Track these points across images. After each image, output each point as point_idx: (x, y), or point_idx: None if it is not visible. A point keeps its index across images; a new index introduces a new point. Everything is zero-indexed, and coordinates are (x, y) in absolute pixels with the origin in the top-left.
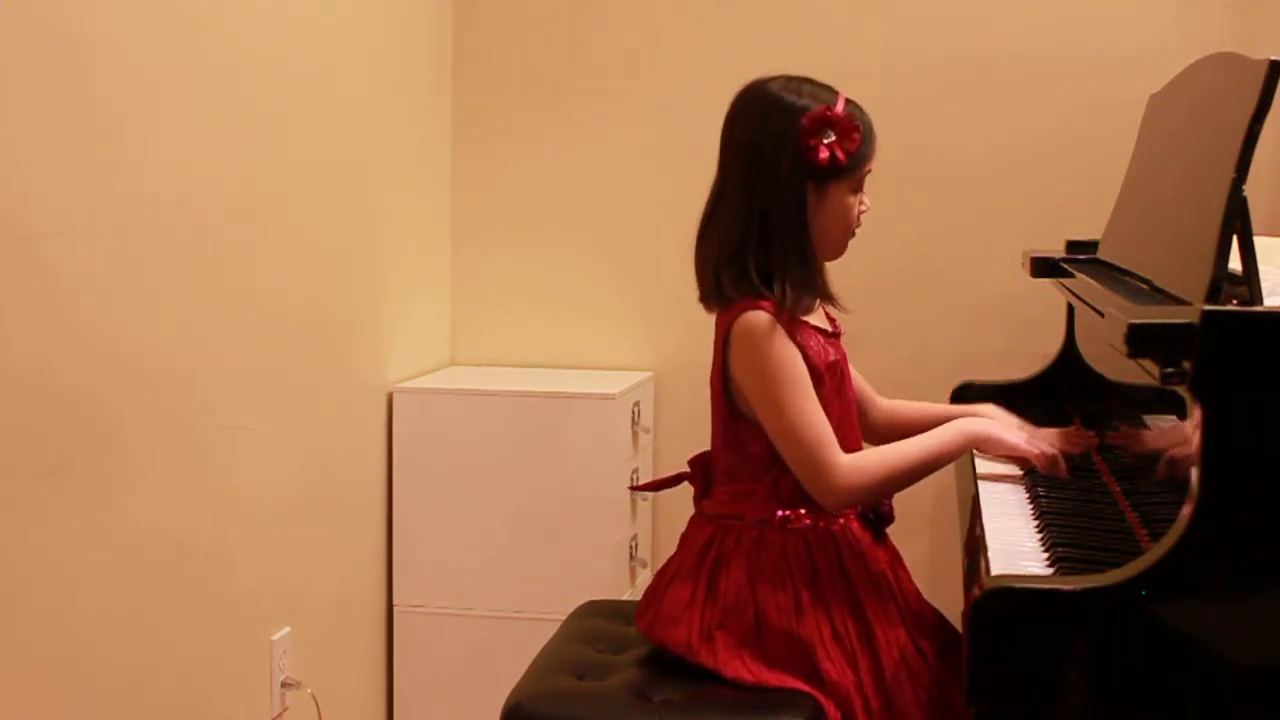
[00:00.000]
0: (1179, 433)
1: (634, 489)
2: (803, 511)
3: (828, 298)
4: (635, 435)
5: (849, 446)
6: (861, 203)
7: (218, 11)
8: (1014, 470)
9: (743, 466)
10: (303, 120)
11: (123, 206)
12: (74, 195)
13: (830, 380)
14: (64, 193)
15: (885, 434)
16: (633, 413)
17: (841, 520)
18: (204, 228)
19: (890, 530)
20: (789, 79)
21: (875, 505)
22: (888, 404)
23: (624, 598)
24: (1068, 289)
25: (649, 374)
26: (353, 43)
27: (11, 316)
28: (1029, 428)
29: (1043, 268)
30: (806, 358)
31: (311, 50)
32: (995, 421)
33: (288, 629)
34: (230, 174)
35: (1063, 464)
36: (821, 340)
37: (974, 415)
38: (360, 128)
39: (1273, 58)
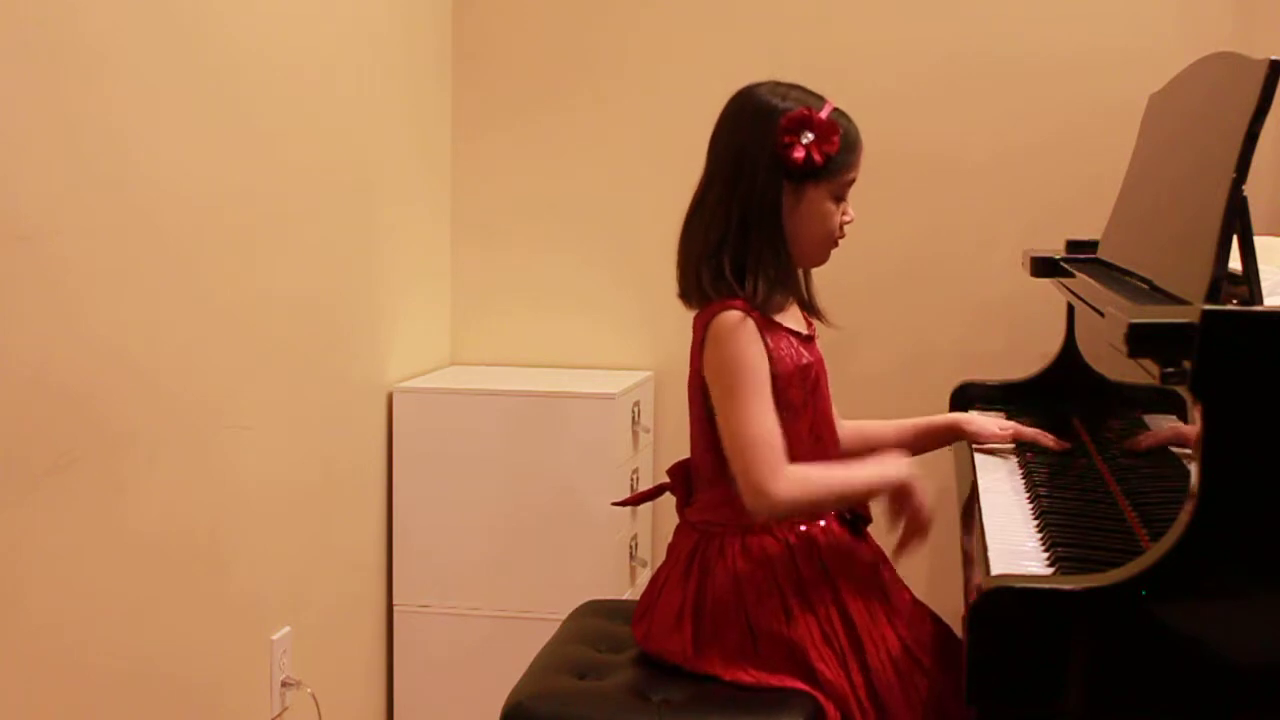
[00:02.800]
0: (1179, 432)
1: (616, 504)
2: None
3: (812, 310)
4: (635, 435)
5: (827, 450)
6: (845, 214)
7: (218, 12)
8: (1014, 470)
9: (724, 470)
10: (303, 120)
11: (123, 206)
12: (74, 195)
13: (802, 384)
14: (64, 193)
15: (857, 455)
16: (633, 412)
17: (823, 522)
18: (204, 227)
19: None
20: (778, 84)
21: (852, 506)
22: (852, 425)
23: (624, 598)
24: (1068, 289)
25: (649, 374)
26: (353, 43)
27: (11, 316)
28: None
29: (1043, 267)
30: (776, 360)
31: (311, 50)
32: (915, 474)
33: (288, 629)
34: (230, 174)
35: (1045, 439)
36: (795, 342)
37: (953, 423)
38: (360, 128)
39: (1273, 58)
